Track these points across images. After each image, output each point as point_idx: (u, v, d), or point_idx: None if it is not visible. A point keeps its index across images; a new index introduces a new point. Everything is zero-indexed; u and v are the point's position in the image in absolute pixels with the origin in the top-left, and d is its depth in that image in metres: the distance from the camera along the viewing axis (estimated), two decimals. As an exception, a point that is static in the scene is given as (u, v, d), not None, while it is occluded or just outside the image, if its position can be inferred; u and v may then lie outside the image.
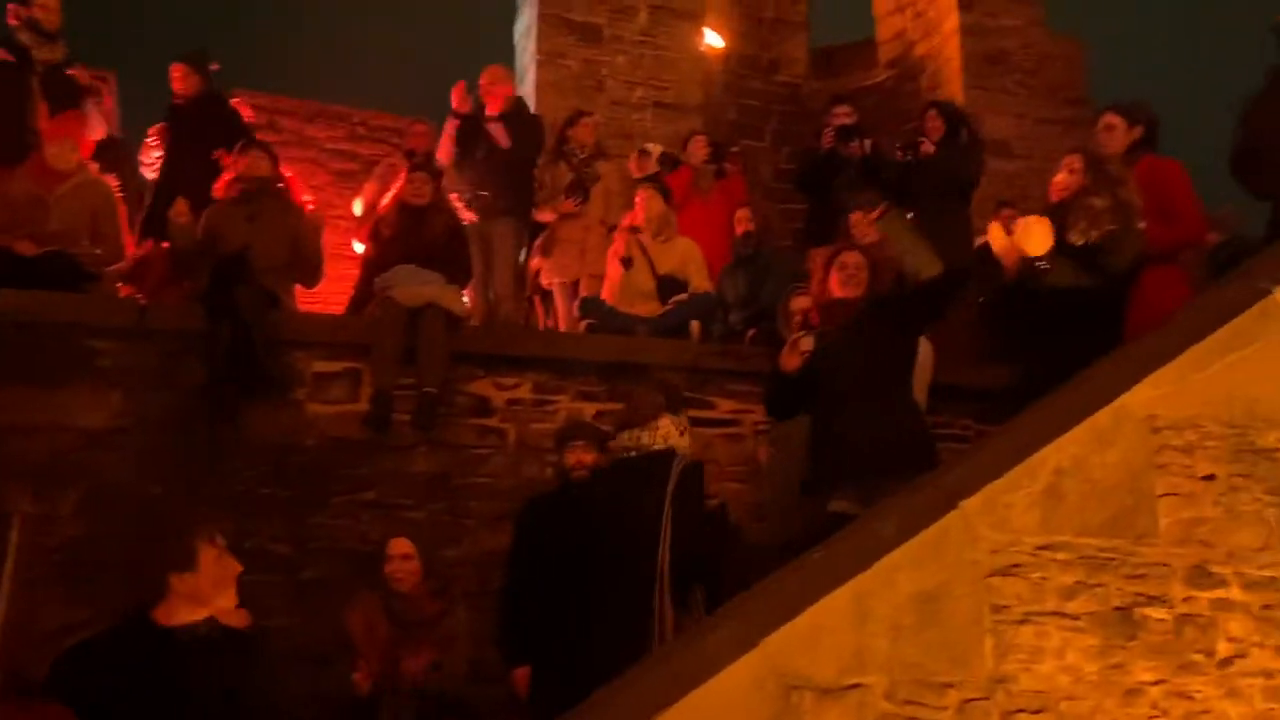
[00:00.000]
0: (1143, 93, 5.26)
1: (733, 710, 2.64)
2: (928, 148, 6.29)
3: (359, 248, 5.95)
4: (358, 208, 6.52)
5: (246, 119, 6.08)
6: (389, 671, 3.82)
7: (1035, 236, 3.95)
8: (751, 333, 5.38)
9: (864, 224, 5.73)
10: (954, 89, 9.58)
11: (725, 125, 9.32)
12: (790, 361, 3.99)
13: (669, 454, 4.20)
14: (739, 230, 5.98)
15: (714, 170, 6.58)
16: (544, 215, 6.36)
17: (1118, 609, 3.03)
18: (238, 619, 2.95)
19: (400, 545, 4.11)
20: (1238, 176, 5.14)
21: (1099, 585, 3.05)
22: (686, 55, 9.36)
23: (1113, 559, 3.08)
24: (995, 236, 4.13)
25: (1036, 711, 2.92)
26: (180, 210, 4.72)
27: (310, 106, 9.34)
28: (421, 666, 3.94)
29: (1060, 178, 4.14)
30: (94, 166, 5.22)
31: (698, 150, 6.73)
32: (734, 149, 6.82)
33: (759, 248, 5.88)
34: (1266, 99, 5.07)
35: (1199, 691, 3.05)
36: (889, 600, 2.85)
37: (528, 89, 8.92)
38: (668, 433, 4.24)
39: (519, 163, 6.26)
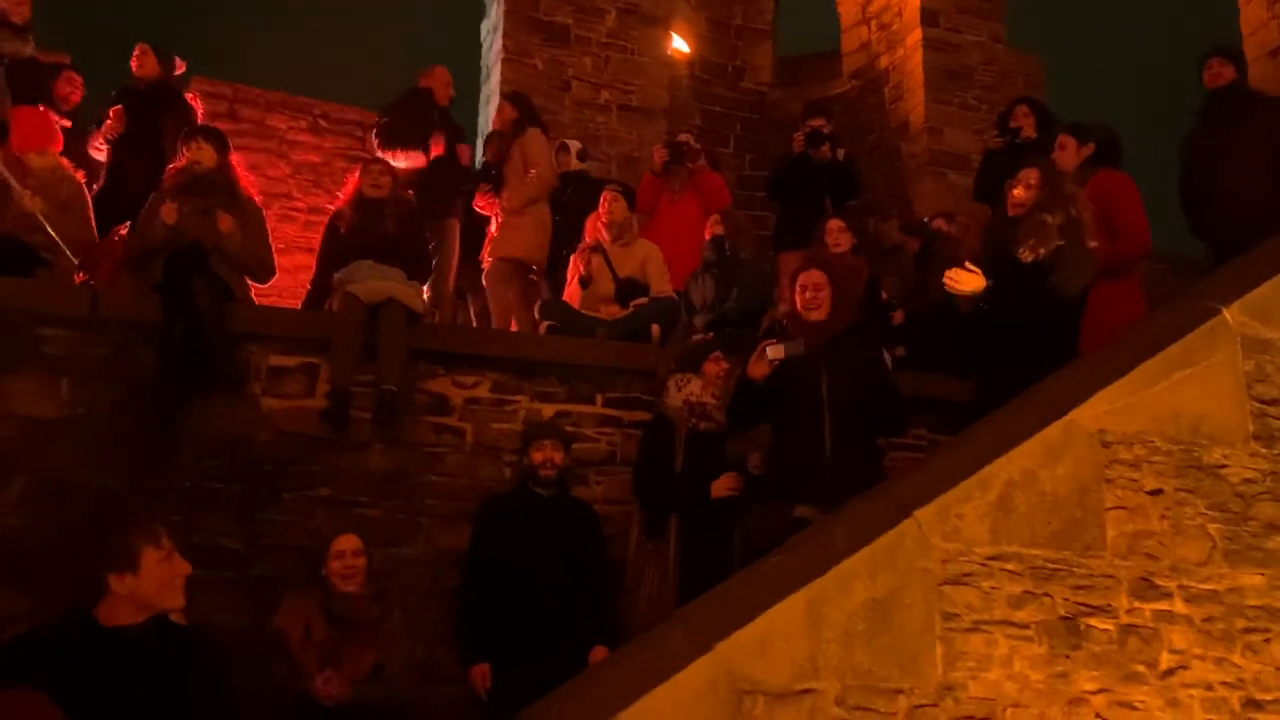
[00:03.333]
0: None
1: (685, 714, 2.65)
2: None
3: None
4: None
5: (200, 110, 5.97)
6: (330, 674, 3.75)
7: (965, 282, 4.08)
8: (709, 336, 5.40)
9: (837, 231, 5.80)
10: (916, 101, 9.70)
11: (690, 131, 9.34)
12: (758, 369, 4.03)
13: None
14: (708, 234, 6.02)
15: (685, 172, 6.60)
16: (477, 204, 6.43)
17: (1064, 618, 3.10)
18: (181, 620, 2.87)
19: (349, 541, 4.04)
20: (1185, 214, 5.31)
21: (1046, 595, 3.11)
22: (653, 59, 9.40)
23: (1060, 569, 3.14)
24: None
25: (983, 719, 2.97)
26: (170, 212, 4.61)
27: (272, 97, 9.22)
28: (364, 669, 3.88)
29: (1017, 192, 4.22)
30: (66, 161, 5.11)
31: (657, 156, 6.76)
32: (694, 144, 6.80)
33: (728, 253, 5.92)
34: (1194, 139, 5.25)
35: (1141, 701, 3.13)
36: (842, 606, 2.89)
37: (492, 86, 8.89)
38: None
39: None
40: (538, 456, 4.47)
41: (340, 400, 4.51)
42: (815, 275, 4.10)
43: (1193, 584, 3.29)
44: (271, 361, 4.61)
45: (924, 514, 3.03)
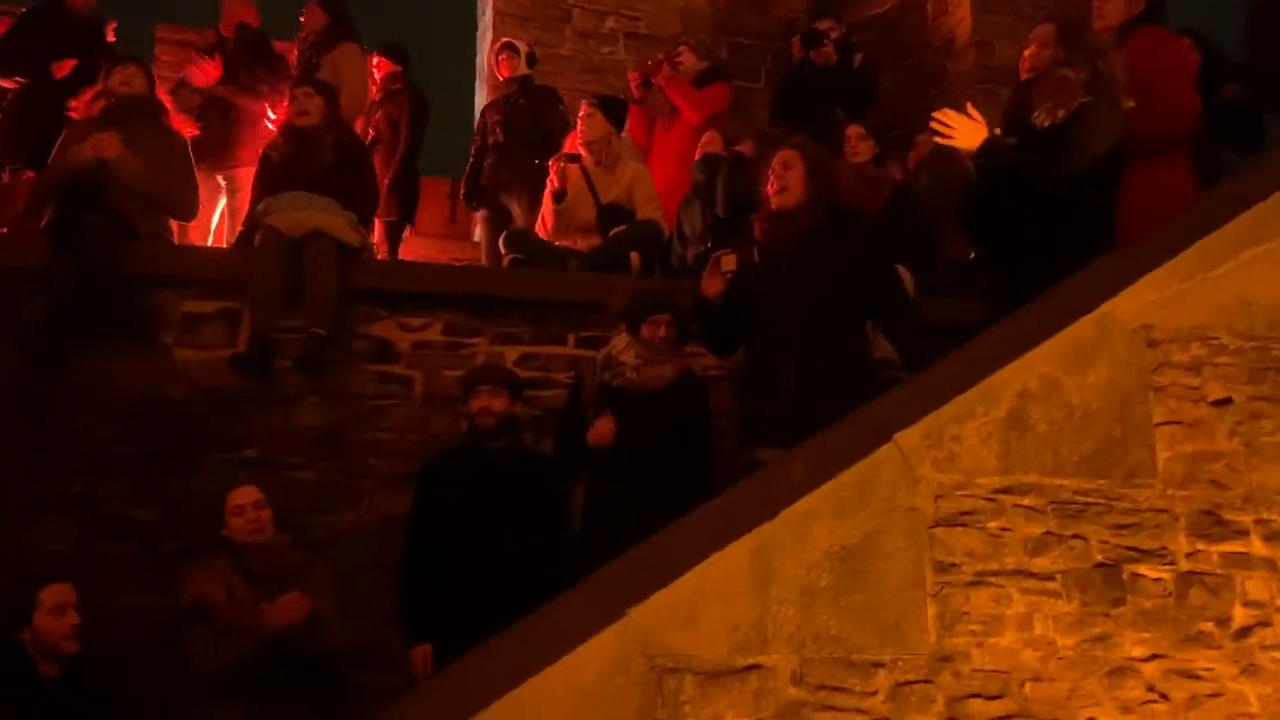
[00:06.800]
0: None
1: (585, 701, 2.02)
2: None
3: None
4: None
5: (110, 38, 5.39)
6: (278, 601, 3.30)
7: (960, 132, 3.27)
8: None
9: (856, 138, 5.05)
10: (962, 14, 8.85)
11: (685, 44, 8.59)
12: (711, 285, 3.36)
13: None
14: (698, 154, 5.32)
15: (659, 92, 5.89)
16: None
17: (1101, 566, 2.40)
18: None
19: (246, 494, 3.55)
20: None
21: (1077, 537, 2.42)
22: (664, -20, 8.63)
23: (1095, 504, 2.44)
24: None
25: (994, 697, 2.29)
26: (110, 144, 4.04)
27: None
28: (299, 611, 3.36)
29: (1029, 53, 3.46)
30: None
31: (631, 81, 6.06)
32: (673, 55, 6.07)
33: (719, 174, 5.20)
34: None
35: (1207, 669, 2.41)
36: (800, 558, 2.23)
37: (486, 19, 8.27)
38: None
39: None
40: (474, 405, 3.84)
41: (259, 347, 3.94)
42: (785, 154, 3.40)
43: (1275, 517, 2.56)
44: (186, 308, 4.08)
45: (907, 437, 2.35)
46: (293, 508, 3.87)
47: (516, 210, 5.49)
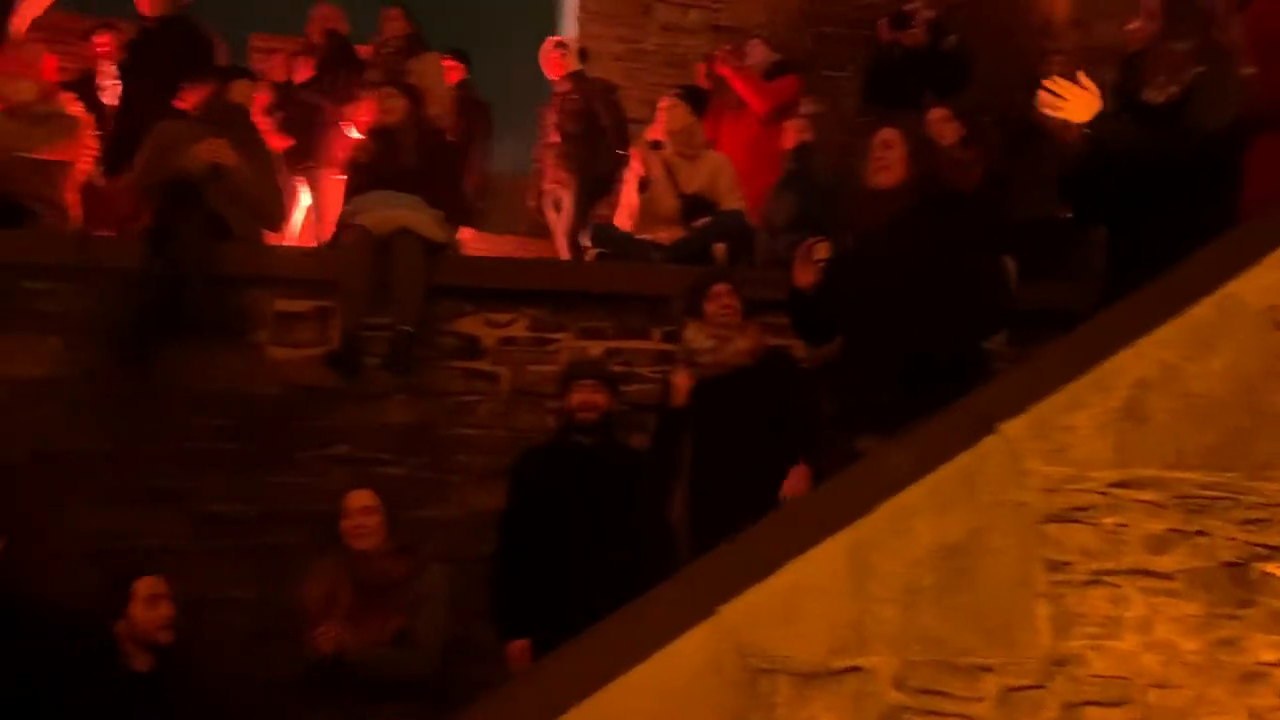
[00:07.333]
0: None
1: (676, 701, 1.95)
2: None
3: None
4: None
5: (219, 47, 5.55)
6: (327, 627, 3.29)
7: (1070, 104, 3.06)
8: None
9: (939, 121, 4.89)
10: (1068, -16, 8.55)
11: (800, 54, 8.44)
12: (803, 275, 3.26)
13: None
14: (790, 142, 5.22)
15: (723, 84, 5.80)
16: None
17: (1229, 565, 2.23)
18: None
19: (361, 497, 3.56)
20: None
21: (1201, 534, 2.25)
22: (747, -31, 8.49)
23: (1221, 498, 2.27)
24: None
25: (1114, 704, 2.15)
26: (225, 150, 4.15)
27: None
28: (386, 634, 3.36)
29: (1135, 26, 3.27)
30: (66, 97, 4.77)
31: (758, 52, 5.96)
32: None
33: (813, 162, 5.11)
34: None
35: (1350, 677, 2.23)
36: (901, 554, 2.12)
37: (569, 16, 8.26)
38: None
39: None
40: (575, 399, 3.82)
41: (349, 345, 3.98)
42: (886, 133, 3.28)
43: None
44: (279, 307, 4.15)
45: (1014, 428, 2.22)
46: (384, 503, 3.89)
47: (569, 205, 5.47)
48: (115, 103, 5.26)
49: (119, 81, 5.25)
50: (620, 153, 5.54)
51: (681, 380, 3.75)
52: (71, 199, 4.41)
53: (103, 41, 5.40)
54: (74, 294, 3.98)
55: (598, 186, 5.32)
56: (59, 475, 3.78)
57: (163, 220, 3.94)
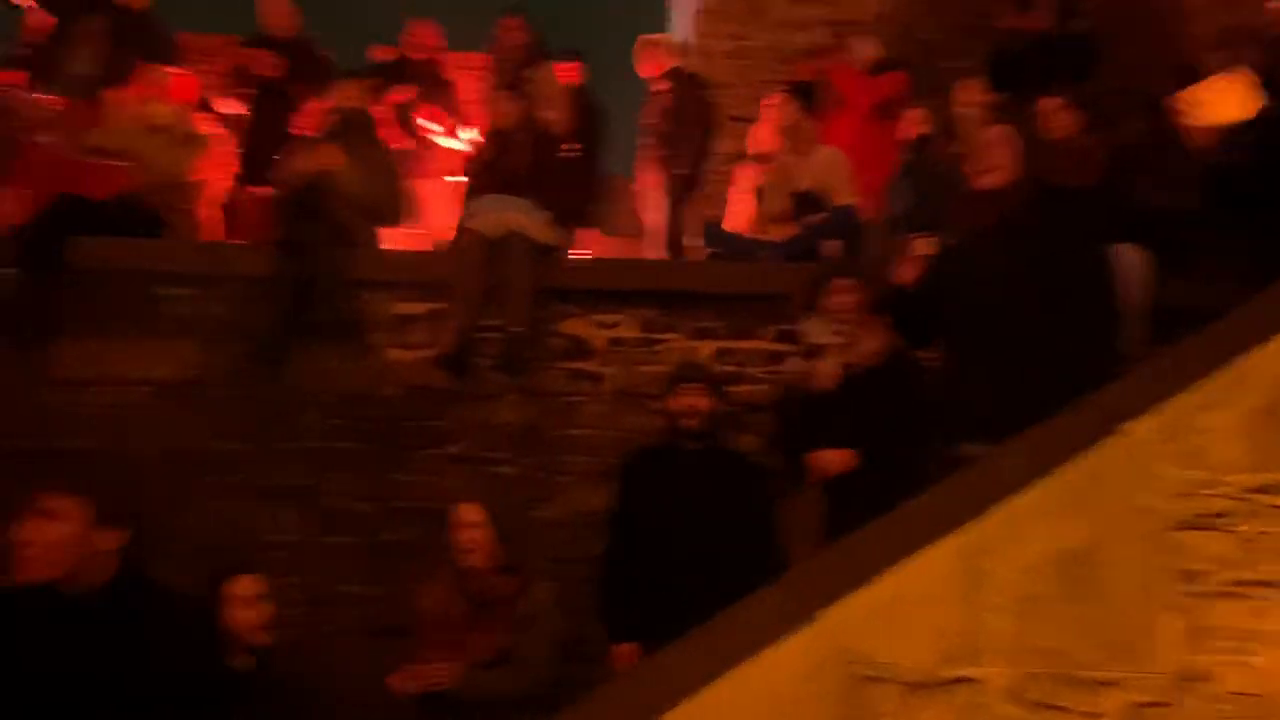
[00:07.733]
0: None
1: (777, 706, 1.92)
2: None
3: None
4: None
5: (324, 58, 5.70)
6: (453, 659, 3.27)
7: (1214, 107, 2.86)
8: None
9: (1051, 112, 4.67)
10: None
11: (915, 46, 8.23)
12: (905, 272, 3.15)
13: None
14: (910, 134, 5.09)
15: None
16: None
17: (1381, 578, 2.06)
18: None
19: (469, 512, 3.53)
20: None
21: (1352, 543, 2.08)
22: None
23: (1373, 506, 2.10)
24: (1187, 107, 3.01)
25: (1252, 726, 2.00)
26: (332, 156, 4.35)
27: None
28: (488, 654, 3.35)
29: (1277, 5, 3.04)
30: (201, 118, 5.03)
31: (862, 48, 5.82)
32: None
33: (931, 154, 4.96)
34: None
35: None
36: (1015, 561, 2.03)
37: (686, 18, 8.23)
38: None
39: None
40: (678, 404, 3.76)
41: (462, 347, 4.06)
42: (994, 130, 3.14)
43: None
44: (395, 309, 4.25)
45: (1141, 428, 2.10)
46: (496, 502, 3.94)
47: (663, 203, 5.41)
48: (248, 118, 5.49)
49: (251, 99, 5.46)
50: (710, 150, 5.47)
51: (829, 367, 3.60)
52: (210, 214, 4.62)
53: (261, 60, 5.48)
54: (207, 300, 4.17)
55: (689, 184, 5.26)
56: (188, 472, 3.95)
57: (289, 229, 4.10)
